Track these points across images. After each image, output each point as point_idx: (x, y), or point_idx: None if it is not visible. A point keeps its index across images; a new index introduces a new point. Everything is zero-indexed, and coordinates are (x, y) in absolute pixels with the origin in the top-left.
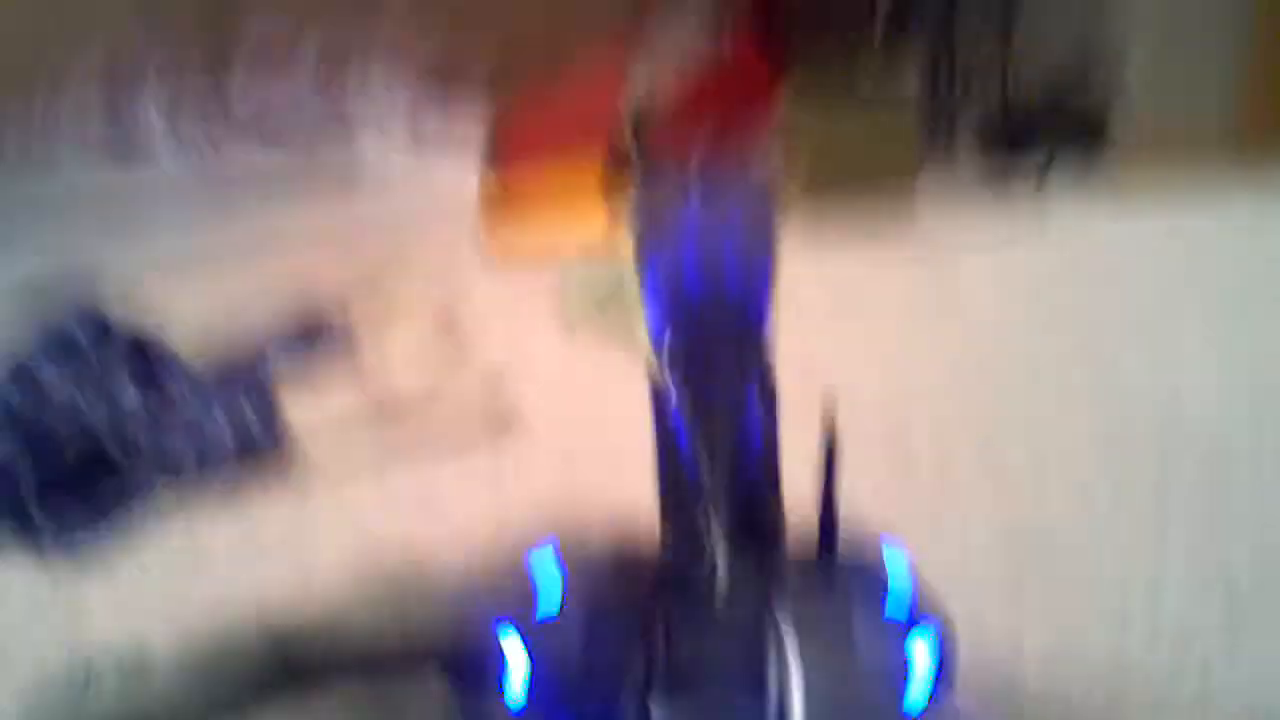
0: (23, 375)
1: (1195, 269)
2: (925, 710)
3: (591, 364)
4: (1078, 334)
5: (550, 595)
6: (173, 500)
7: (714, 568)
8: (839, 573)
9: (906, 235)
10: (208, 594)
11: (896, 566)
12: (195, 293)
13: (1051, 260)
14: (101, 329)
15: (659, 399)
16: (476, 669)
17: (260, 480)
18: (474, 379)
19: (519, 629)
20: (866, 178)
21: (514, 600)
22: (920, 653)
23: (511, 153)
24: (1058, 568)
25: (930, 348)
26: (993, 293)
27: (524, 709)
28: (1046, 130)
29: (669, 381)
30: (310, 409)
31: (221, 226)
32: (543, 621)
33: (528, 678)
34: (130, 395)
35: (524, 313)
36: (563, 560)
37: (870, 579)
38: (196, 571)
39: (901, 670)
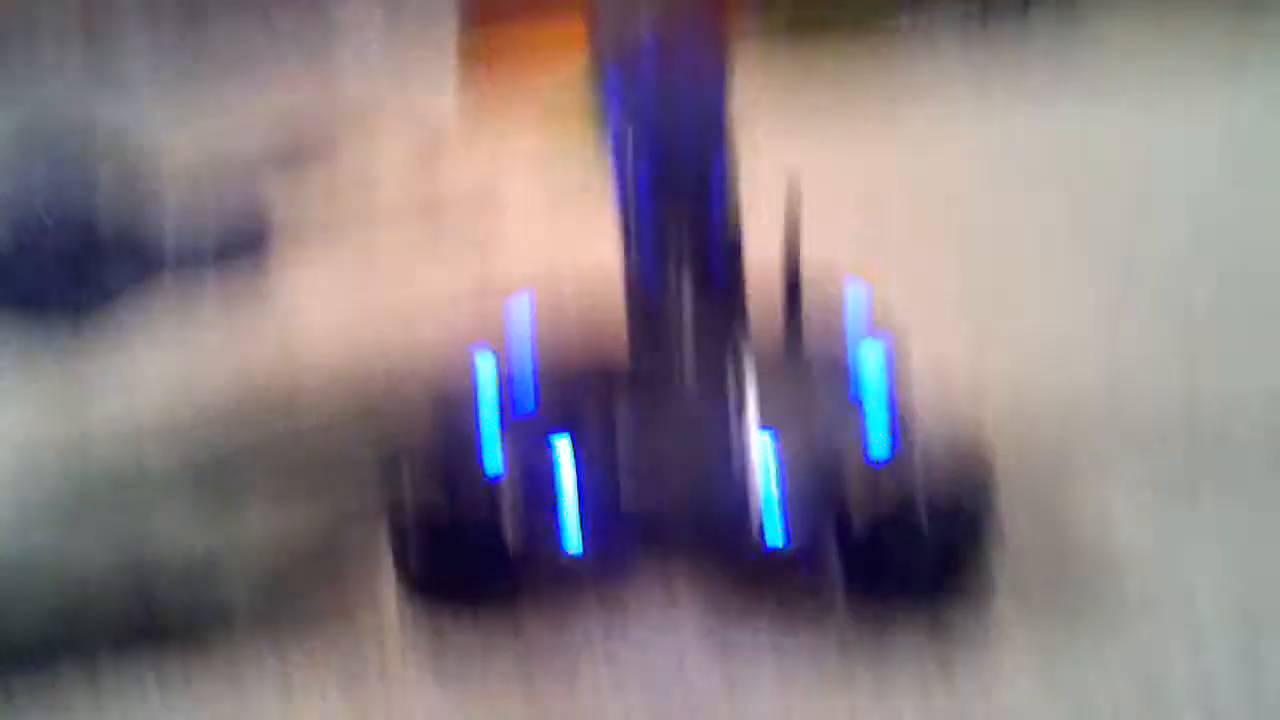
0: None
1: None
2: (890, 458)
3: (566, 185)
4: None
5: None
6: (163, 291)
7: (680, 325)
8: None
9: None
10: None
11: (856, 306)
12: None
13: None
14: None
15: (620, 178)
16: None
17: (246, 277)
18: (453, 194)
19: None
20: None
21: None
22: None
23: None
24: (1021, 315)
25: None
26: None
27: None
28: None
29: (631, 165)
30: (296, 212)
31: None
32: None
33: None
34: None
35: (501, 133)
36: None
37: (833, 337)
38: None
39: (858, 419)
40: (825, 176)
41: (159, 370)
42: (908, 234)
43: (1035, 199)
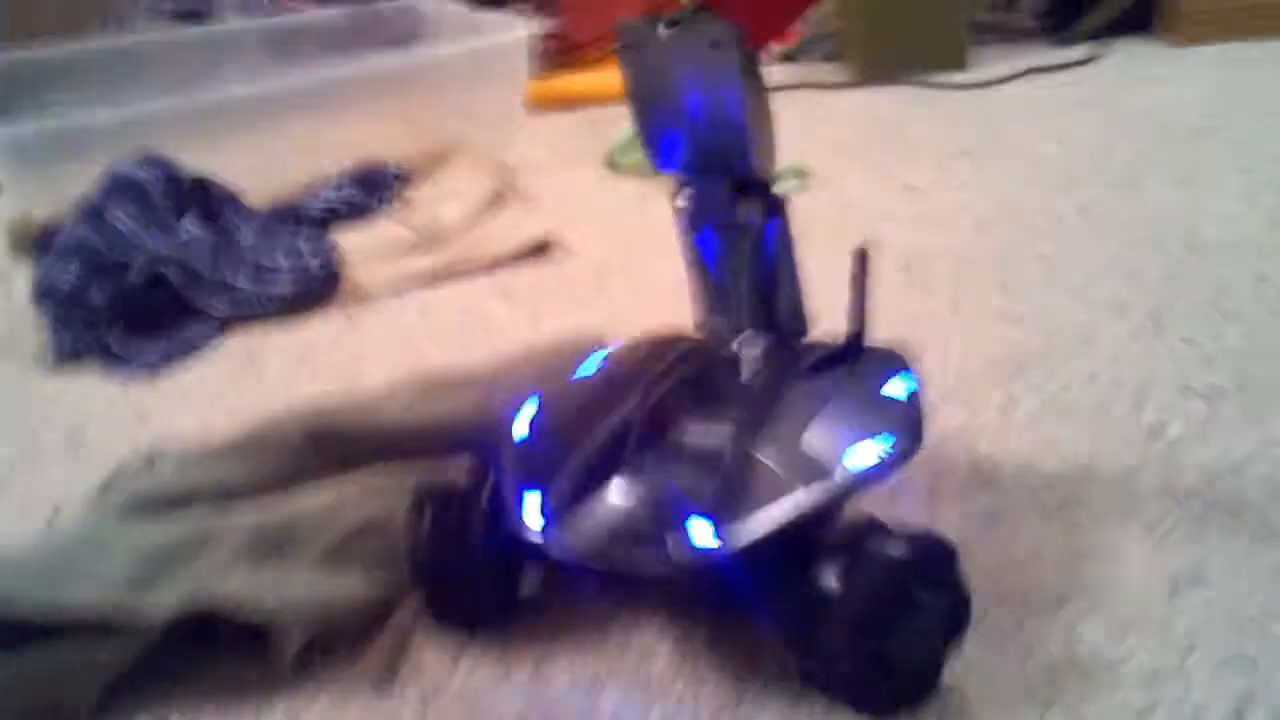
0: (92, 214)
1: (1232, 109)
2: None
3: (627, 200)
4: (1111, 169)
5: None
6: (232, 324)
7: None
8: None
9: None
10: (261, 401)
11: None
12: (256, 142)
13: (1094, 98)
14: (164, 172)
15: (681, 220)
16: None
17: (313, 307)
18: (516, 211)
19: (540, 395)
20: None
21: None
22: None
23: (565, 6)
24: (1052, 380)
25: (962, 181)
26: (1030, 130)
27: (526, 440)
28: None
29: (687, 204)
30: (364, 243)
31: (281, 79)
32: (570, 380)
33: (533, 417)
34: (192, 230)
35: (567, 155)
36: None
37: (879, 367)
38: (252, 382)
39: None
40: None
41: (224, 395)
42: None
43: None
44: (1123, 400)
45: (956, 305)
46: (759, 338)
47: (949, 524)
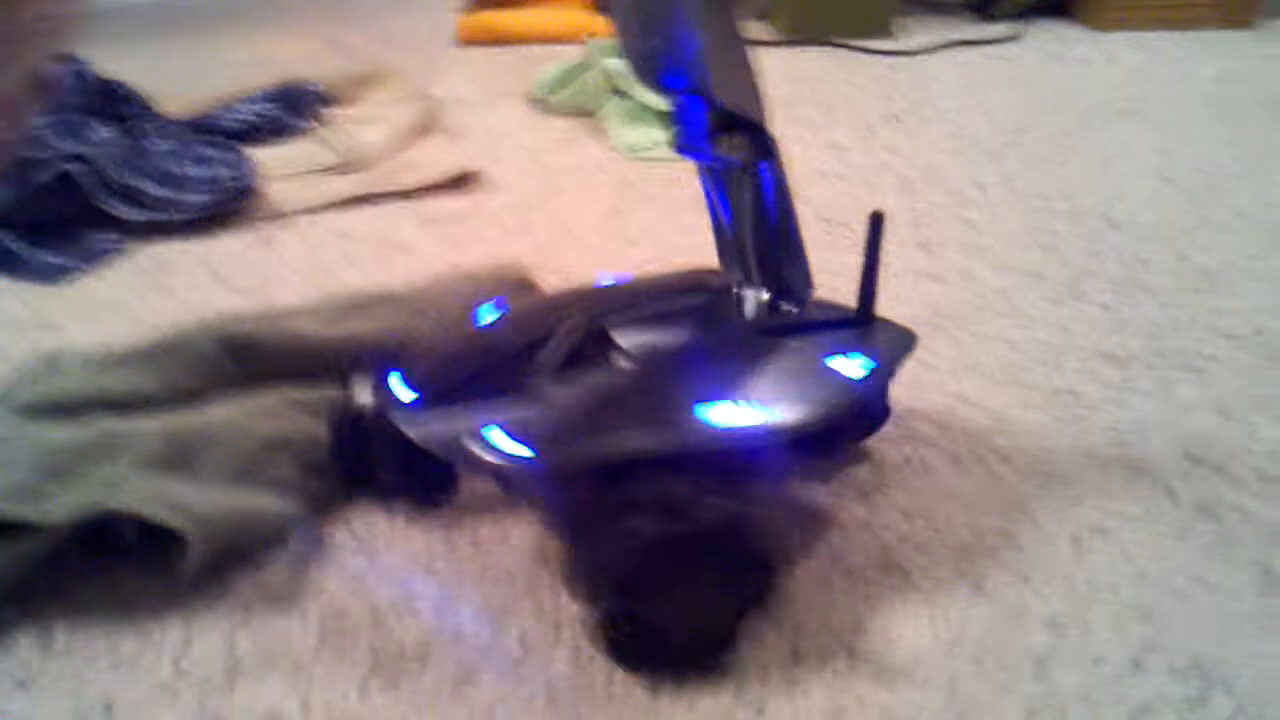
0: None
1: (1152, 93)
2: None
3: (553, 138)
4: (1033, 144)
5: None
6: (142, 232)
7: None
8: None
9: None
10: (170, 313)
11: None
12: (171, 51)
13: (1017, 75)
14: (74, 71)
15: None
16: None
17: (226, 220)
18: (440, 141)
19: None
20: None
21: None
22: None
23: None
24: (971, 339)
25: (887, 144)
26: (955, 101)
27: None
28: None
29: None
30: (281, 159)
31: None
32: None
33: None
34: (102, 133)
35: (493, 91)
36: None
37: (850, 340)
38: (161, 294)
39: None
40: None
41: (131, 304)
42: None
43: None
44: (1039, 362)
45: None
46: (750, 292)
47: (865, 472)
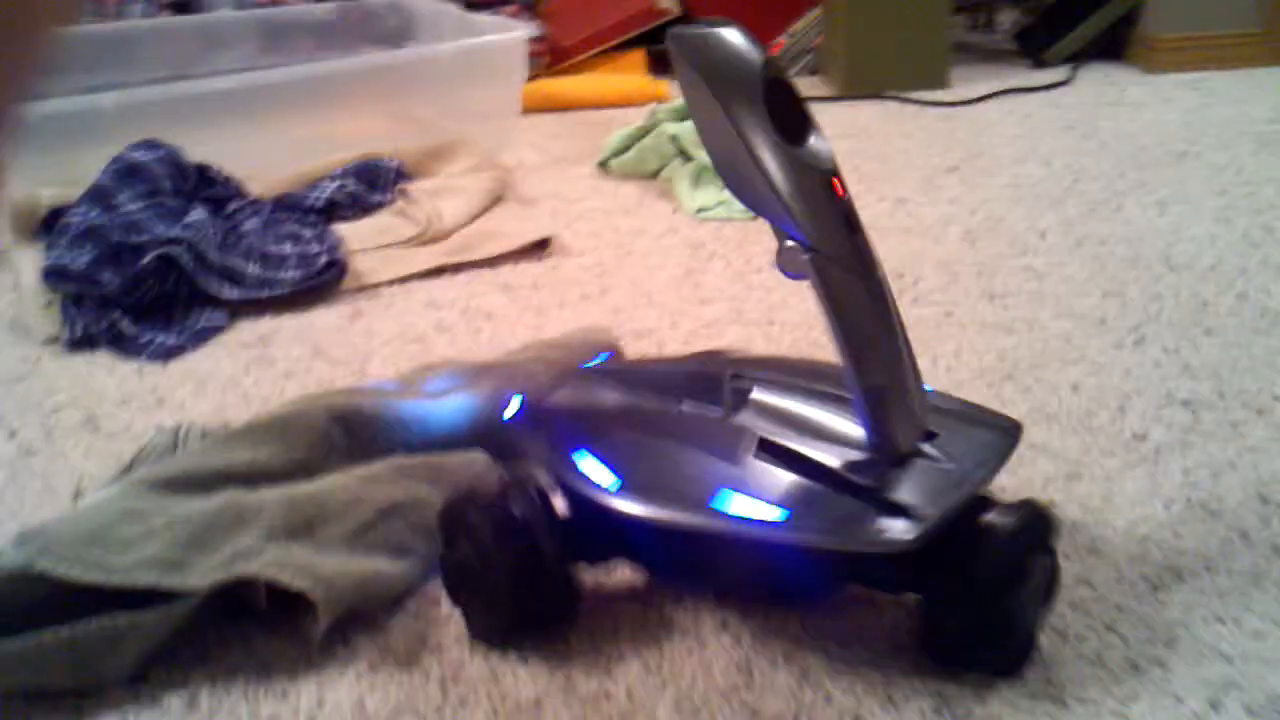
0: (101, 198)
1: (1206, 134)
2: None
3: (620, 202)
4: (1091, 189)
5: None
6: (241, 311)
7: None
8: None
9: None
10: (275, 387)
11: None
12: (254, 133)
13: (1072, 120)
14: (169, 158)
15: None
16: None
17: (320, 295)
18: (514, 209)
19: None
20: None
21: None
22: None
23: (549, 11)
24: (1040, 387)
25: (949, 196)
26: (1012, 149)
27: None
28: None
29: None
30: (366, 233)
31: (279, 71)
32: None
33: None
34: (196, 215)
35: (559, 157)
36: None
37: None
38: (264, 368)
39: None
40: None
41: (238, 378)
42: None
43: None
44: (1107, 408)
45: (949, 314)
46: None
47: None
